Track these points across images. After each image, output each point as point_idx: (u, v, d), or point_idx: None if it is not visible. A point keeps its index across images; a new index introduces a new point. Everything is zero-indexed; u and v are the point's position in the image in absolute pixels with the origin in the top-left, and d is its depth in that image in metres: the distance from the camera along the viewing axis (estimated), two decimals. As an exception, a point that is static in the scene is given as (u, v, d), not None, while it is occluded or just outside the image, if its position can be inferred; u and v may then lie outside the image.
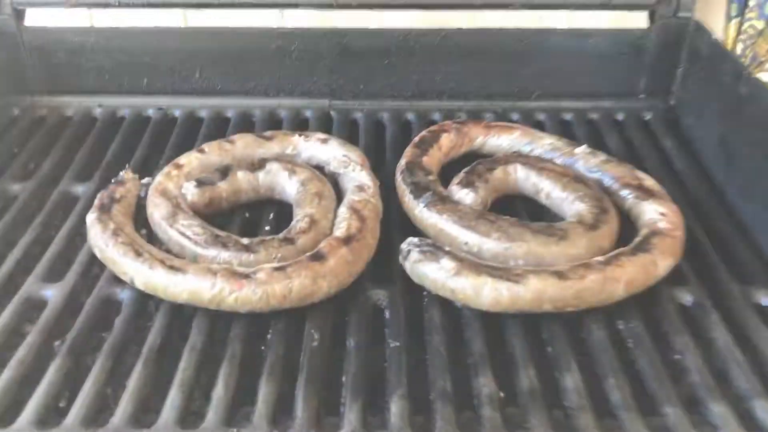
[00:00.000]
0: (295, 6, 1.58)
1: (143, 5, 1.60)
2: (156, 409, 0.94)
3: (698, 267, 1.18)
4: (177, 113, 1.63)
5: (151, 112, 1.64)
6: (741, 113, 1.35)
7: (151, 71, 1.65)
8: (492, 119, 1.58)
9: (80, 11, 1.68)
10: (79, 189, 1.39)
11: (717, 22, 1.84)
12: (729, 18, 1.84)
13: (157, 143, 1.53)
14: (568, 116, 1.62)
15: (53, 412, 0.95)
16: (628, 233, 1.21)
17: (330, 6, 1.57)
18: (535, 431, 0.90)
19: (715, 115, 1.45)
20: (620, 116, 1.63)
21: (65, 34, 1.64)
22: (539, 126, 1.57)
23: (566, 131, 1.56)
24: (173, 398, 0.95)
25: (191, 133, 1.56)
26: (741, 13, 1.88)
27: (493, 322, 1.07)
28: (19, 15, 1.62)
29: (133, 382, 0.98)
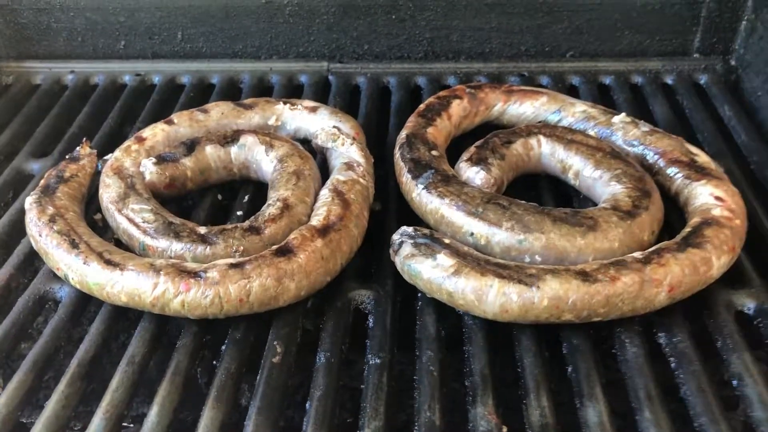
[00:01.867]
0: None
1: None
2: (74, 441, 0.78)
3: (763, 266, 0.96)
4: (156, 79, 1.54)
5: (127, 78, 1.53)
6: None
7: (128, 32, 1.55)
8: (517, 83, 1.40)
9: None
10: (35, 166, 1.25)
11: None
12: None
13: (131, 113, 1.41)
14: (606, 80, 1.47)
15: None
16: (675, 223, 1.00)
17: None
18: (544, 485, 0.70)
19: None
20: (669, 79, 1.47)
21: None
22: (573, 91, 1.42)
23: (604, 97, 1.41)
24: (96, 427, 0.77)
25: (170, 101, 1.46)
26: None
27: (500, 334, 0.88)
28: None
29: (52, 404, 0.81)
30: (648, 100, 1.39)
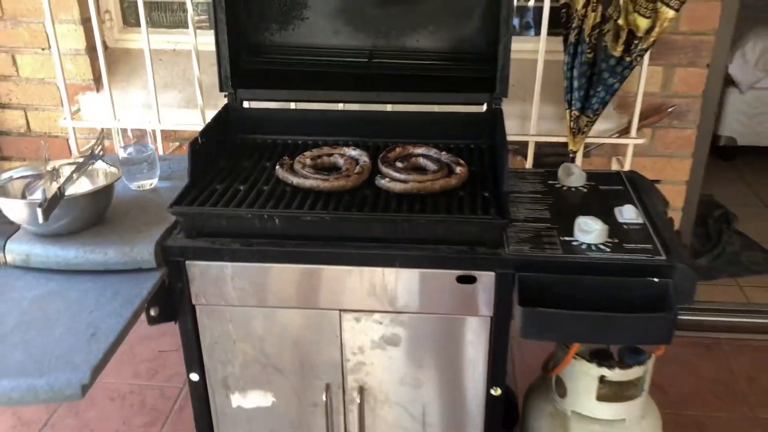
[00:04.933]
0: (348, 102, 4.07)
1: (294, 100, 4.10)
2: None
3: (470, 188, 2.73)
4: (299, 141, 3.16)
5: (289, 140, 3.21)
6: (494, 147, 3.74)
7: (292, 125, 3.17)
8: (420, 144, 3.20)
9: (265, 103, 3.66)
10: (268, 164, 2.91)
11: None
12: (565, 108, 3.88)
13: (296, 151, 3.10)
14: (452, 146, 3.06)
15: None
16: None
17: (363, 102, 4.08)
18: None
19: (499, 146, 3.84)
20: (472, 146, 3.07)
21: (257, 112, 3.16)
22: (439, 148, 2.95)
23: (449, 151, 2.98)
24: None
25: (308, 148, 3.17)
26: (570, 106, 4.17)
27: (400, 196, 2.93)
28: (242, 102, 3.15)
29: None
30: (463, 153, 2.94)
